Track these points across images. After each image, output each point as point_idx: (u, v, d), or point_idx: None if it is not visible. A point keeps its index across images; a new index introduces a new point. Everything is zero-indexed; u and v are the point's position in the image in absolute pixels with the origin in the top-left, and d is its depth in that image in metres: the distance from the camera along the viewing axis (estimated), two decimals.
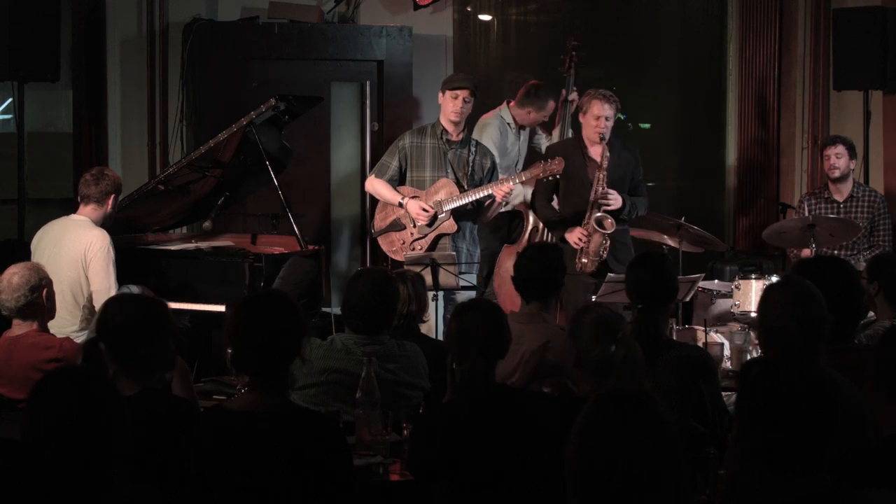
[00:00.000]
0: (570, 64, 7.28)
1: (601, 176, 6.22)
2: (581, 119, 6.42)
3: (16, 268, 4.65)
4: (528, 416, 3.44)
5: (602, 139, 6.27)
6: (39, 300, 4.56)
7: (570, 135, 7.17)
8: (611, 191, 6.22)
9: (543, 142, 7.42)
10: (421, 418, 3.67)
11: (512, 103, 7.27)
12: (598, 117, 6.27)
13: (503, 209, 6.82)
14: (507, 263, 6.93)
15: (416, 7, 7.77)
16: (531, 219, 7.03)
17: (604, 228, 6.15)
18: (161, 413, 3.39)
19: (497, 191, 6.20)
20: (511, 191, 6.32)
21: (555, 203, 6.56)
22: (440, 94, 6.37)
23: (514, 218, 7.20)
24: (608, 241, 6.20)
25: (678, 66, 9.34)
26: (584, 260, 6.21)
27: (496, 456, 3.36)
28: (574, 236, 6.25)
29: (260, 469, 3.12)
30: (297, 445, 3.15)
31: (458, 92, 6.27)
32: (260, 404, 3.19)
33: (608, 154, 6.24)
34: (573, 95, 7.25)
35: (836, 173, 7.14)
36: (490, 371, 3.53)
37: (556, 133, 7.35)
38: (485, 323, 3.55)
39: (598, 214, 6.18)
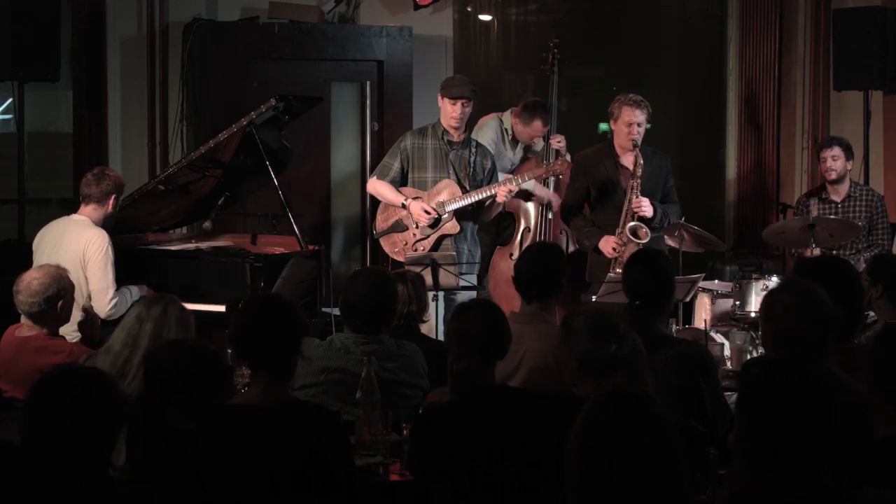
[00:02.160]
0: (553, 62, 7.18)
1: (635, 184, 6.16)
2: (612, 126, 6.33)
3: (38, 272, 4.63)
4: (528, 416, 3.44)
5: (635, 146, 6.20)
6: (53, 310, 4.56)
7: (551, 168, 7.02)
8: (644, 199, 6.17)
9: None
10: (421, 418, 3.67)
11: (514, 112, 7.21)
12: (630, 124, 6.20)
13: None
14: (500, 265, 6.92)
15: (416, 7, 7.77)
16: (522, 220, 7.00)
17: (638, 238, 6.10)
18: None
19: (500, 191, 6.19)
20: (513, 191, 6.31)
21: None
22: (439, 98, 6.37)
23: (505, 219, 7.14)
24: None
25: (678, 66, 9.34)
26: (619, 270, 6.14)
27: (496, 456, 3.36)
28: (608, 246, 6.21)
29: (261, 461, 3.15)
30: (298, 437, 3.19)
31: (457, 99, 6.27)
32: (262, 398, 3.25)
33: (641, 162, 6.18)
34: (558, 141, 7.02)
35: (833, 175, 7.13)
36: (489, 371, 3.54)
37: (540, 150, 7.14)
38: (483, 323, 3.55)
39: (632, 224, 6.13)
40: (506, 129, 7.17)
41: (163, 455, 3.28)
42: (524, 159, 7.26)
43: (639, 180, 6.17)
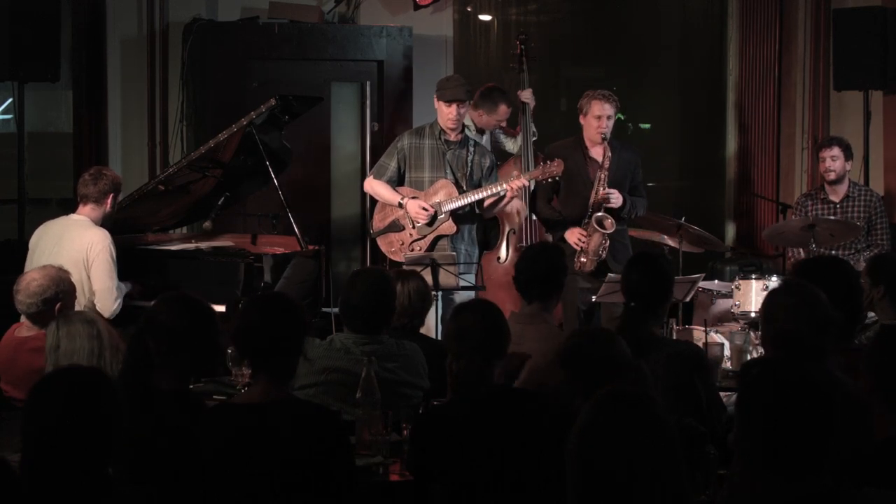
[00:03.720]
0: (522, 58, 7.17)
1: (602, 176, 6.23)
2: (581, 121, 6.41)
3: (39, 272, 4.63)
4: (528, 416, 3.44)
5: (604, 139, 6.27)
6: (51, 312, 4.55)
7: (532, 136, 7.09)
8: (612, 190, 6.22)
9: (505, 141, 7.32)
10: (421, 418, 3.68)
11: (470, 105, 7.18)
12: (599, 117, 6.28)
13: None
14: (487, 269, 6.91)
15: (416, 7, 7.77)
16: (506, 223, 6.99)
17: (604, 228, 6.16)
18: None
19: (512, 185, 6.16)
20: (526, 185, 6.31)
21: (554, 203, 6.56)
22: (435, 99, 6.36)
23: (490, 224, 7.11)
24: (607, 241, 6.21)
25: (678, 66, 9.34)
26: (583, 259, 6.23)
27: (496, 456, 3.37)
28: (574, 237, 6.27)
29: (261, 460, 3.17)
30: (299, 436, 3.22)
31: (451, 102, 6.25)
32: (263, 397, 3.28)
33: (610, 154, 6.25)
34: (527, 94, 7.04)
35: (832, 176, 7.12)
36: (488, 370, 3.54)
37: (519, 137, 7.11)
38: (483, 322, 3.56)
39: (599, 214, 6.19)
40: (466, 126, 7.14)
41: (146, 420, 3.30)
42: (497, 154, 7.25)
43: (606, 172, 6.23)
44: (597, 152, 6.36)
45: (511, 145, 7.26)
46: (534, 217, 6.95)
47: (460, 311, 3.68)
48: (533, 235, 6.93)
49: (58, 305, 4.56)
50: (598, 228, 6.17)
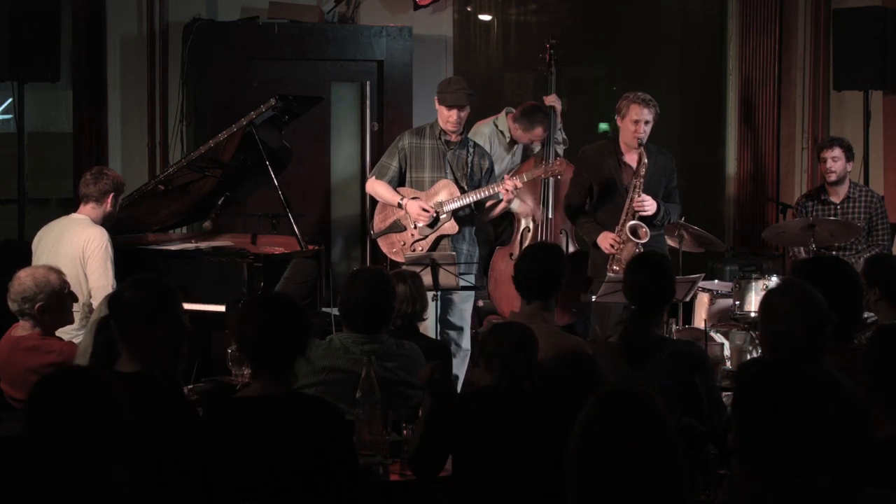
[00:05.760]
0: (551, 62, 7.18)
1: (637, 183, 6.11)
2: (619, 123, 6.28)
3: (26, 272, 4.61)
4: (528, 416, 3.45)
5: (640, 144, 6.14)
6: (31, 311, 4.52)
7: (561, 143, 7.10)
8: (646, 197, 6.11)
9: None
10: (433, 418, 3.67)
11: (511, 114, 7.21)
12: (637, 121, 6.14)
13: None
14: (500, 265, 6.91)
15: (416, 7, 7.77)
16: (522, 220, 7.00)
17: (638, 238, 6.05)
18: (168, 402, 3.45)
19: (503, 189, 6.17)
20: (518, 187, 6.28)
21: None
22: (436, 101, 6.35)
23: (504, 220, 7.13)
24: (641, 250, 6.11)
25: (678, 66, 9.35)
26: (616, 267, 6.10)
27: (496, 455, 3.37)
28: (606, 242, 6.17)
29: (262, 449, 3.19)
30: (299, 425, 3.23)
31: (452, 107, 6.24)
32: (263, 392, 3.30)
33: (646, 161, 6.11)
34: (551, 98, 7.04)
35: (833, 177, 7.10)
36: (515, 381, 3.57)
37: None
38: (515, 341, 3.59)
39: (632, 223, 6.08)
40: (501, 132, 7.16)
41: None
42: (524, 158, 7.26)
43: (641, 179, 6.12)
44: (631, 158, 6.23)
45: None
46: (549, 215, 6.94)
47: (496, 329, 3.71)
48: (548, 233, 6.92)
49: (38, 306, 4.52)
50: (632, 238, 6.07)
